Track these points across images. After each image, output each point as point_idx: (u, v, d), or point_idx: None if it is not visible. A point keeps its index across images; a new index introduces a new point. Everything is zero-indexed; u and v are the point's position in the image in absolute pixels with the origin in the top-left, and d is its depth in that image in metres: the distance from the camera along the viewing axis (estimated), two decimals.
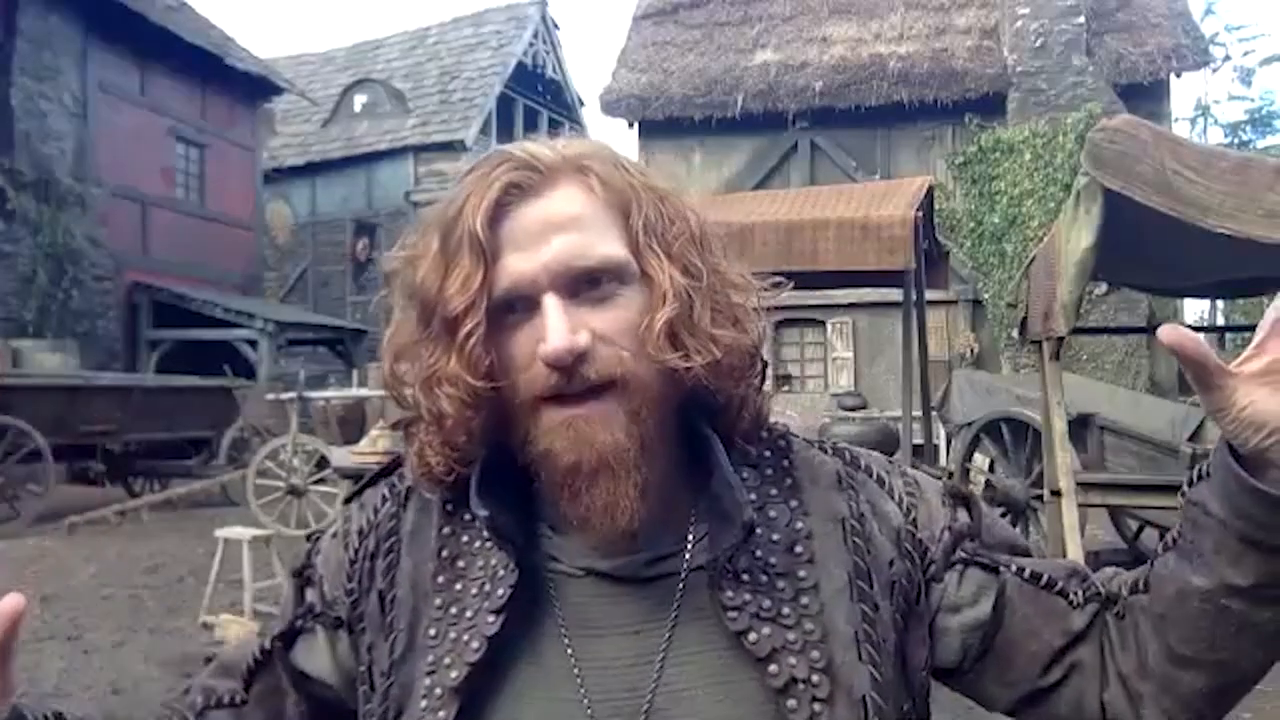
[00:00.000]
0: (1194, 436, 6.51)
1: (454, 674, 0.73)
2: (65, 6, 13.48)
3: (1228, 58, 23.57)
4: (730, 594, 0.73)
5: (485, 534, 0.77)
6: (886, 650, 0.75)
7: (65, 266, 13.17)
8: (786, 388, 14.14)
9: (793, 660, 0.72)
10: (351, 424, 10.00)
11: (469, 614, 0.76)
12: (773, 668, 0.71)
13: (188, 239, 15.73)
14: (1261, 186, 3.32)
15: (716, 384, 0.74)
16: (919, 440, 5.70)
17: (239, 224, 17.04)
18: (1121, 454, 6.06)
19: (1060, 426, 4.01)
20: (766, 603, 0.73)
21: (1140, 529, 6.87)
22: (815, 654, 0.72)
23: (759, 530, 0.76)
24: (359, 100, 21.81)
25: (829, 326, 14.25)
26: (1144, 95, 13.23)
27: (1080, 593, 0.80)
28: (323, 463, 8.26)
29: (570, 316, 0.71)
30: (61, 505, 8.96)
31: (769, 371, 0.82)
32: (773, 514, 0.78)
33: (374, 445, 6.64)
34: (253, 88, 17.09)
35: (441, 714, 0.73)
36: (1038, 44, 13.51)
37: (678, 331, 0.72)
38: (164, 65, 15.19)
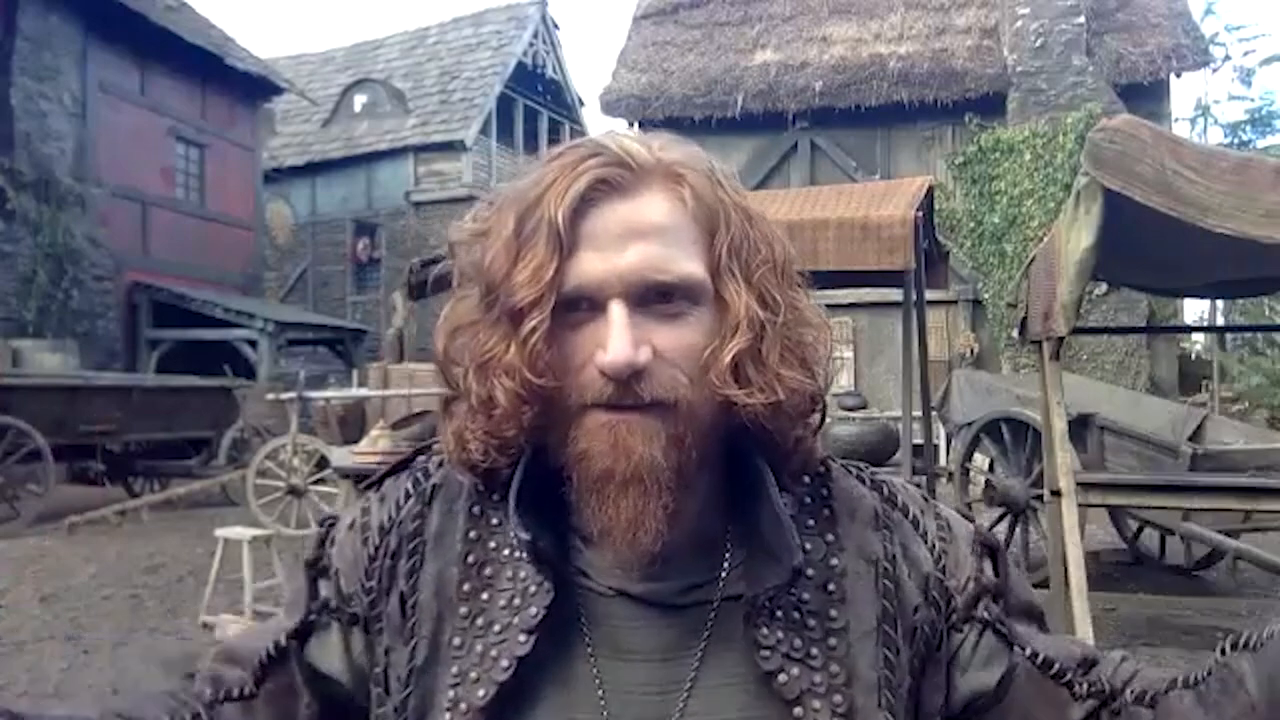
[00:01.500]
0: (1194, 436, 6.52)
1: (481, 692, 0.71)
2: (65, 6, 13.48)
3: (1228, 58, 23.56)
4: (765, 632, 0.72)
5: (515, 543, 0.74)
6: (902, 695, 0.75)
7: (65, 266, 13.17)
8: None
9: (817, 704, 0.71)
10: (351, 424, 10.00)
11: (497, 628, 0.73)
12: (798, 710, 0.71)
13: (188, 239, 15.74)
14: (1261, 186, 3.33)
15: (773, 424, 0.72)
16: (919, 440, 5.70)
17: (239, 224, 17.04)
18: (1121, 454, 6.06)
19: (1060, 426, 4.01)
20: (798, 642, 0.72)
21: (1140, 529, 6.87)
22: (838, 698, 0.72)
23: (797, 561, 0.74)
24: (359, 100, 21.81)
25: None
26: (1144, 95, 13.22)
27: (1085, 685, 0.78)
28: (323, 463, 8.26)
29: (635, 329, 0.68)
30: (61, 505, 8.95)
31: (828, 414, 0.79)
32: (808, 547, 0.76)
33: (374, 445, 6.64)
34: (253, 88, 17.09)
35: None
36: (1038, 44, 13.51)
37: (743, 365, 0.70)
38: (164, 65, 15.19)
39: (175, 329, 14.88)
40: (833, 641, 0.73)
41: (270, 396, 10.41)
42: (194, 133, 16.07)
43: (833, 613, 0.74)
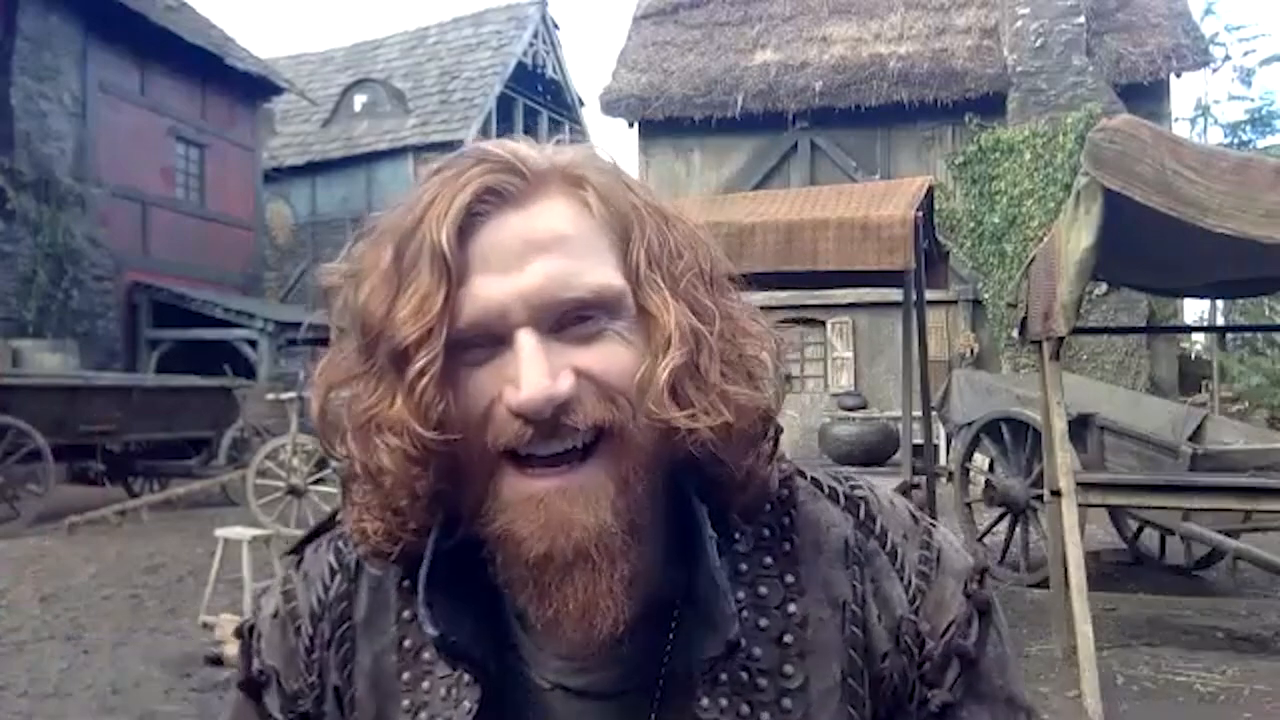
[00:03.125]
0: (1194, 436, 6.51)
1: None
2: (65, 6, 13.48)
3: (1228, 58, 23.57)
4: (705, 703, 0.63)
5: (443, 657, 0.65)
6: None
7: (65, 266, 13.17)
8: (787, 388, 14.14)
9: None
10: None
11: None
12: None
13: (188, 239, 15.74)
14: (1261, 186, 3.33)
15: (723, 452, 0.61)
16: (919, 440, 5.70)
17: (239, 224, 17.04)
18: (1121, 454, 6.05)
19: (1060, 426, 4.01)
20: (745, 708, 0.64)
21: (1140, 529, 6.87)
22: None
23: (745, 614, 0.65)
24: (359, 100, 21.81)
25: (829, 326, 14.25)
26: (1144, 95, 13.23)
27: None
28: (323, 463, 8.25)
29: (551, 357, 0.58)
30: (61, 505, 8.95)
31: (781, 438, 0.69)
32: (764, 591, 0.67)
33: None
34: (253, 88, 17.09)
35: None
36: (1038, 44, 13.51)
37: (681, 384, 0.59)
38: (164, 65, 15.19)
39: (175, 329, 14.88)
40: (787, 703, 0.65)
41: (270, 396, 10.40)
42: (194, 133, 16.07)
43: (788, 669, 0.65)
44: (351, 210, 21.10)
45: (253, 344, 14.76)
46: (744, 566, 0.67)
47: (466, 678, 0.65)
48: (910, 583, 0.69)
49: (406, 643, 0.68)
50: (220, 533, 5.62)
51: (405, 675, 0.68)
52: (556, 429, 0.58)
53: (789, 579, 0.68)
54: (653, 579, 0.63)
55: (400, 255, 0.59)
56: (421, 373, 0.57)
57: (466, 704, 0.64)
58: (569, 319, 0.59)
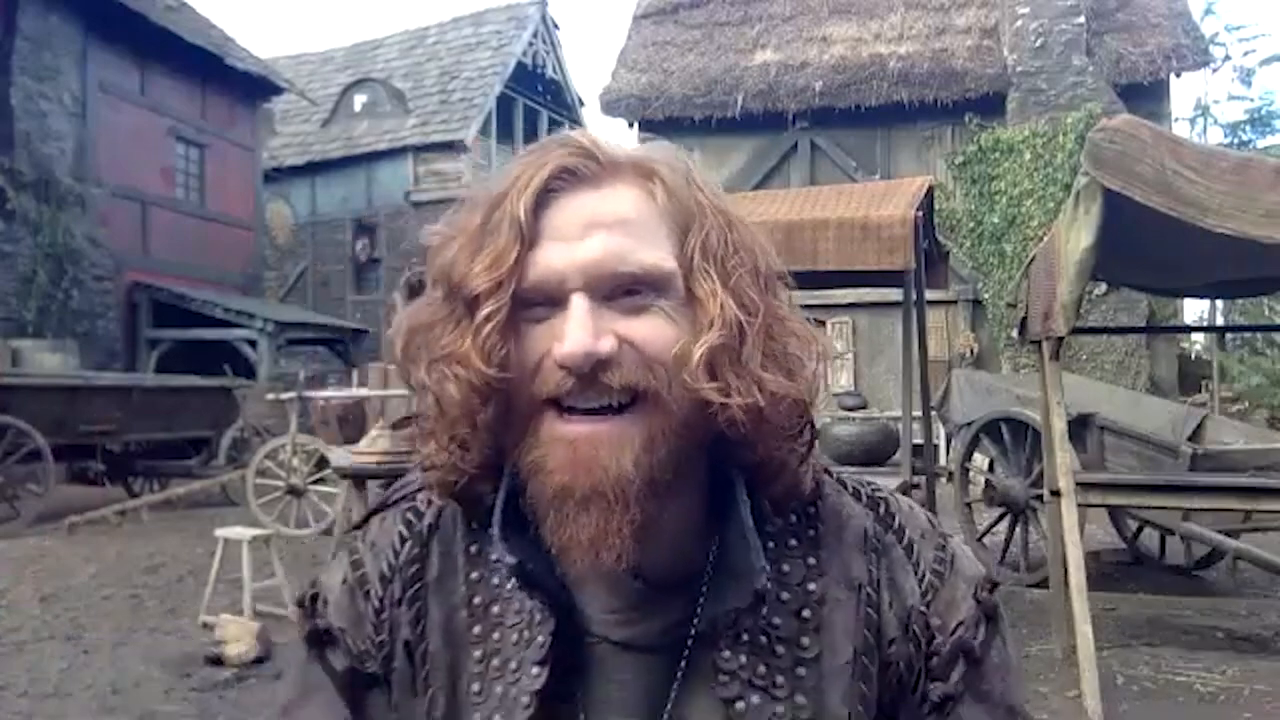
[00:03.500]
0: (1194, 436, 6.51)
1: None
2: (65, 6, 13.48)
3: (1228, 58, 23.55)
4: (727, 655, 0.68)
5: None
6: None
7: (65, 266, 13.17)
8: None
9: None
10: (351, 424, 10.00)
11: (513, 665, 0.71)
12: None
13: (188, 239, 15.74)
14: (1261, 186, 3.33)
15: (754, 434, 0.67)
16: (919, 440, 5.69)
17: (239, 224, 17.04)
18: (1121, 454, 6.05)
19: (1060, 426, 4.01)
20: (762, 669, 0.69)
21: (1140, 529, 6.87)
22: None
23: (769, 585, 0.70)
24: (359, 100, 21.82)
25: (829, 326, 14.24)
26: (1144, 95, 13.22)
27: None
28: (322, 463, 8.26)
29: (596, 320, 0.64)
30: (61, 505, 8.95)
31: (816, 440, 0.74)
32: (786, 569, 0.72)
33: (374, 445, 6.64)
34: (252, 87, 17.09)
35: None
36: (1038, 44, 13.51)
37: (719, 364, 0.65)
38: (164, 65, 15.19)
39: (175, 329, 14.88)
40: (801, 671, 0.69)
41: (270, 396, 10.41)
42: (194, 133, 16.07)
43: (805, 641, 0.70)
44: (351, 210, 21.13)
45: (252, 344, 14.76)
46: (770, 545, 0.72)
47: (538, 616, 0.70)
48: (924, 577, 0.74)
49: (476, 600, 0.74)
50: (220, 533, 5.62)
51: (476, 629, 0.73)
52: (594, 383, 0.64)
53: (811, 560, 0.73)
54: (677, 544, 0.69)
55: (486, 220, 0.67)
56: (488, 319, 0.65)
57: (540, 638, 0.69)
58: (620, 291, 0.66)
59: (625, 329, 0.65)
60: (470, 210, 0.69)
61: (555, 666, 0.69)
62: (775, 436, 0.68)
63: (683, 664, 0.69)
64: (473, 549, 0.75)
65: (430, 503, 0.78)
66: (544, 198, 0.67)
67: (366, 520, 0.81)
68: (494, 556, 0.73)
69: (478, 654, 0.72)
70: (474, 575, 0.74)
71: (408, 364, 0.72)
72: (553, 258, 0.66)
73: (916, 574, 0.74)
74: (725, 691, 0.68)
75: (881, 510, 0.77)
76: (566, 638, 0.70)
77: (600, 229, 0.66)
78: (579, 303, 0.65)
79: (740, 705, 0.68)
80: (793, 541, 0.73)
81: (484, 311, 0.65)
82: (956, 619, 0.73)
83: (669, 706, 0.69)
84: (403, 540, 0.77)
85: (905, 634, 0.72)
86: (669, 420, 0.65)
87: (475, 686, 0.71)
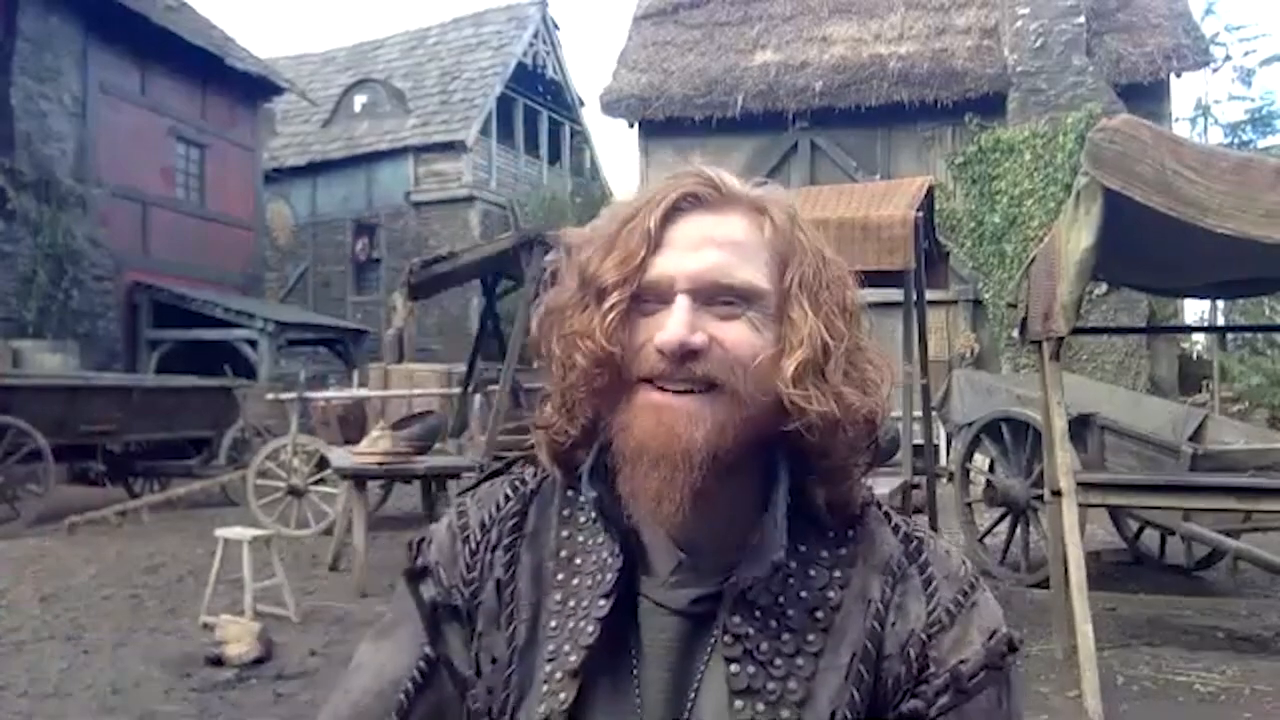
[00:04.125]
0: (1194, 436, 6.51)
1: (572, 658, 0.78)
2: (65, 6, 13.48)
3: (1228, 58, 23.55)
4: (737, 620, 0.76)
5: (597, 524, 0.81)
6: None
7: (65, 266, 13.17)
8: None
9: (760, 707, 0.74)
10: (352, 424, 10.00)
11: (585, 603, 0.80)
12: (738, 703, 0.74)
13: (188, 239, 15.74)
14: (1261, 186, 3.33)
15: (828, 441, 0.76)
16: (919, 440, 5.69)
17: (239, 224, 17.04)
18: (1121, 454, 6.05)
19: (1060, 426, 4.01)
20: (765, 645, 0.75)
21: (1140, 529, 6.87)
22: (785, 713, 0.74)
23: (791, 580, 0.78)
24: (359, 100, 21.83)
25: None
26: (1144, 95, 13.22)
27: None
28: (323, 463, 8.26)
29: (694, 318, 0.75)
30: (61, 505, 8.95)
31: (878, 456, 0.83)
32: (811, 573, 0.79)
33: (374, 445, 6.64)
34: (253, 88, 17.09)
35: (562, 695, 0.77)
36: (1038, 44, 13.51)
37: (805, 375, 0.75)
38: (164, 65, 15.19)
39: (175, 329, 14.88)
40: (800, 661, 0.75)
41: (270, 397, 10.41)
42: (194, 133, 16.07)
43: (811, 636, 0.77)
44: (352, 210, 21.14)
45: (253, 344, 14.76)
46: (803, 548, 0.80)
47: (608, 559, 0.80)
48: (935, 610, 0.79)
49: (563, 552, 0.84)
50: (220, 533, 5.62)
51: (560, 576, 0.82)
52: (681, 369, 0.75)
53: (836, 574, 0.80)
54: (734, 527, 0.78)
55: (622, 227, 0.80)
56: (612, 307, 0.77)
57: (609, 576, 0.79)
58: (718, 299, 0.77)
59: (717, 330, 0.76)
60: (610, 219, 0.82)
61: (617, 605, 0.78)
62: (845, 445, 0.78)
63: (713, 636, 0.77)
64: (565, 511, 0.86)
65: (535, 474, 0.90)
66: (671, 214, 0.79)
67: (479, 484, 0.93)
68: (582, 519, 0.84)
69: (558, 596, 0.81)
70: (564, 533, 0.85)
71: (541, 338, 0.84)
72: (669, 263, 0.77)
73: (928, 605, 0.79)
74: (728, 651, 0.75)
75: (913, 546, 0.83)
76: (627, 588, 0.80)
77: (711, 245, 0.78)
78: (682, 302, 0.76)
79: (735, 668, 0.75)
80: (824, 554, 0.80)
81: (610, 300, 0.77)
82: (957, 658, 0.77)
83: (703, 667, 0.77)
84: (507, 499, 0.88)
85: (900, 654, 0.77)
86: (740, 412, 0.75)
87: (553, 623, 0.81)
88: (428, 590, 0.85)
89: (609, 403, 0.79)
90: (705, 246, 0.78)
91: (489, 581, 0.84)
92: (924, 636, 0.78)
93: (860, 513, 0.83)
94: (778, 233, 0.80)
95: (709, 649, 0.77)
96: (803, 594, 0.78)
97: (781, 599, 0.77)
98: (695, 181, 0.80)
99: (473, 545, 0.86)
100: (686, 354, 0.74)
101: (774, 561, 0.75)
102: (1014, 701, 0.79)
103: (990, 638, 0.78)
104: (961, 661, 0.77)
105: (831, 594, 0.78)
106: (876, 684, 0.76)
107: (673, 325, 0.75)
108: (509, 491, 0.89)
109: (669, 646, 0.78)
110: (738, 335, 0.76)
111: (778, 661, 0.75)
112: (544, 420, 0.84)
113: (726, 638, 0.75)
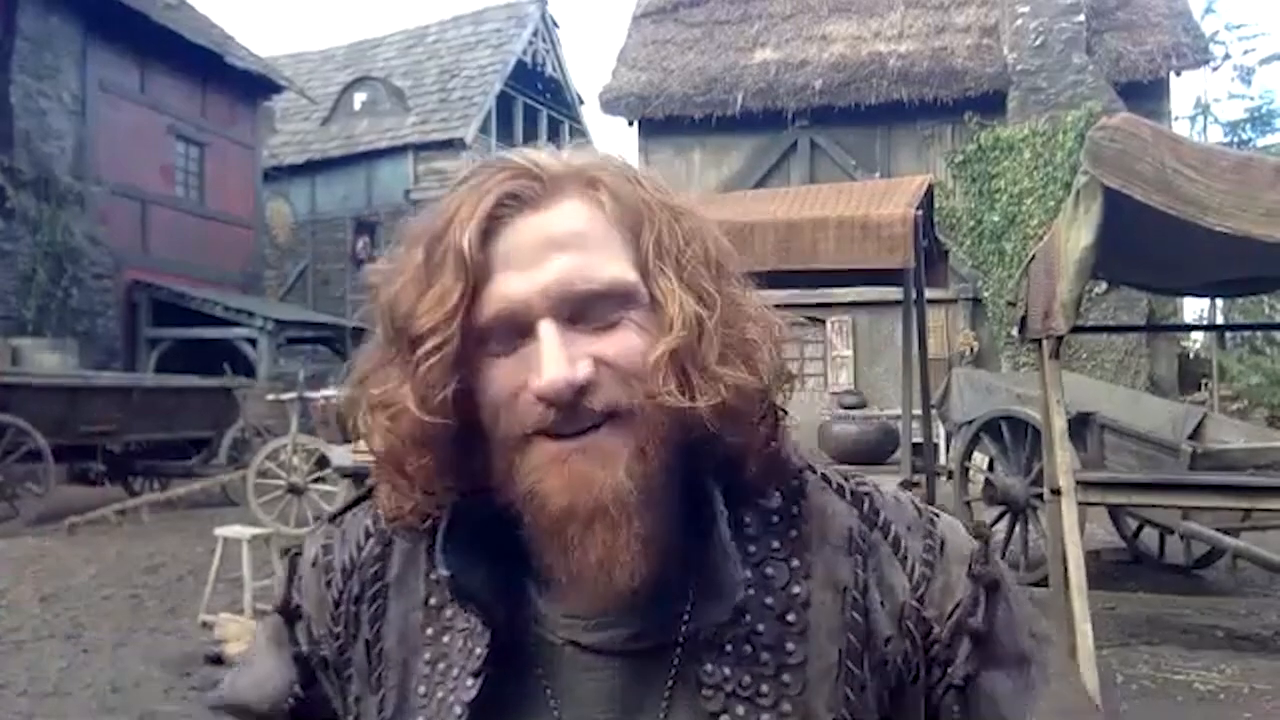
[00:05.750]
0: (1194, 435, 6.52)
1: None
2: (65, 5, 13.47)
3: (1228, 56, 23.55)
4: (709, 669, 0.67)
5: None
6: None
7: (65, 265, 13.17)
8: (789, 378, 14.15)
9: None
10: None
11: (454, 673, 0.70)
12: None
13: (187, 237, 15.73)
14: (1261, 186, 3.32)
15: (721, 429, 0.65)
16: (919, 439, 5.69)
17: (239, 222, 17.04)
18: (1121, 453, 6.06)
19: (1060, 425, 4.01)
20: (746, 679, 0.67)
21: (1140, 528, 6.88)
22: None
23: (752, 591, 0.68)
24: (359, 98, 21.80)
25: (829, 325, 14.24)
26: (1144, 94, 13.22)
27: None
28: (323, 462, 8.26)
29: (569, 345, 0.63)
30: (61, 505, 8.96)
31: (782, 420, 0.72)
32: (769, 572, 0.70)
33: None
34: (252, 86, 17.08)
35: None
36: (1038, 42, 13.50)
37: (681, 366, 0.64)
38: (164, 64, 15.19)
39: (175, 328, 14.87)
40: (786, 678, 0.68)
41: (270, 397, 10.41)
42: (194, 131, 16.06)
43: (789, 646, 0.68)
44: (351, 209, 21.12)
45: (252, 343, 14.76)
46: (753, 548, 0.70)
47: (478, 627, 0.69)
48: (914, 570, 0.72)
49: (432, 600, 0.73)
50: (220, 532, 5.62)
51: (429, 630, 0.72)
52: (576, 410, 0.63)
53: (795, 563, 0.71)
54: (666, 550, 0.66)
55: (429, 257, 0.65)
56: (426, 356, 0.63)
57: (478, 650, 0.68)
58: (586, 310, 0.64)
59: (598, 349, 0.64)
60: (411, 246, 0.67)
61: (506, 671, 0.69)
62: (739, 426, 0.67)
63: (672, 672, 0.68)
64: (433, 548, 0.73)
65: None
66: (491, 226, 0.65)
67: (345, 510, 0.81)
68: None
69: (427, 656, 0.72)
70: (433, 576, 0.73)
71: (353, 411, 0.70)
72: (512, 287, 0.64)
73: (906, 568, 0.72)
74: (710, 705, 0.66)
75: (865, 507, 0.74)
76: (517, 647, 0.70)
77: (556, 250, 0.65)
78: (548, 329, 0.63)
79: (726, 719, 0.66)
80: (775, 543, 0.71)
81: (423, 350, 0.63)
82: (952, 603, 0.72)
83: (662, 714, 0.68)
84: (367, 536, 0.77)
85: (900, 631, 0.71)
86: (653, 428, 0.64)
87: (422, 689, 0.71)
88: (301, 635, 0.78)
89: (477, 469, 0.66)
90: (549, 253, 0.64)
91: (359, 641, 0.75)
92: (915, 603, 0.71)
93: (799, 482, 0.74)
94: (619, 202, 0.67)
95: (665, 691, 0.68)
96: (767, 601, 0.69)
97: (748, 617, 0.68)
98: (507, 177, 0.66)
99: (335, 594, 0.76)
100: (576, 393, 0.62)
101: (735, 605, 0.65)
102: (1015, 600, 0.74)
103: (970, 566, 0.73)
104: (957, 606, 0.72)
105: (797, 588, 0.70)
106: (883, 668, 0.70)
107: (549, 364, 0.62)
108: (369, 525, 0.77)
109: (604, 694, 0.69)
110: (622, 346, 0.64)
111: (763, 689, 0.67)
112: (386, 507, 0.70)
113: (705, 691, 0.66)
